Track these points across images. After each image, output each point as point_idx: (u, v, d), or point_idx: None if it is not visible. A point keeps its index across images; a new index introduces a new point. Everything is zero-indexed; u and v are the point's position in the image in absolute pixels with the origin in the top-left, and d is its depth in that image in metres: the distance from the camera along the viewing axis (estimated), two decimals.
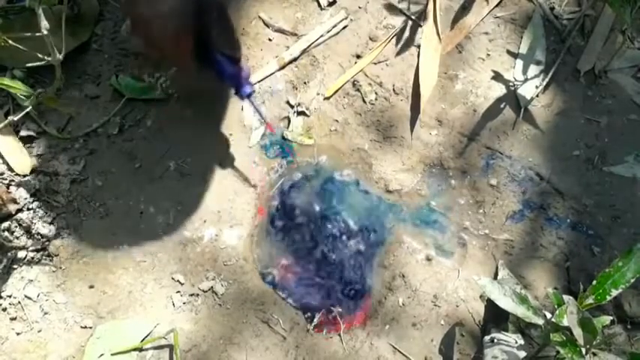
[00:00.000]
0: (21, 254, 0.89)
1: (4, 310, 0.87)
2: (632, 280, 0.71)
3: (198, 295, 0.90)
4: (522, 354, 0.81)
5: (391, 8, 1.10)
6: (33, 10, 0.72)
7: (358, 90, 1.04)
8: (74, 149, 0.95)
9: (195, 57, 0.81)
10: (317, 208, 0.97)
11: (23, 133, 0.94)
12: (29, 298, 0.88)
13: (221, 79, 0.87)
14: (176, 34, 0.75)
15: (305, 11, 1.09)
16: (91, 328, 0.87)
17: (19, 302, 0.87)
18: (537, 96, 1.05)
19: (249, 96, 0.88)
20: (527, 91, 1.05)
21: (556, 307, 0.71)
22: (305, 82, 1.04)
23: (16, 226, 0.89)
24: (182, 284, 0.90)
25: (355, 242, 0.95)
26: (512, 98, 1.05)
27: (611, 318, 0.71)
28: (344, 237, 0.95)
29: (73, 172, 0.94)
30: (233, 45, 0.87)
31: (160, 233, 0.93)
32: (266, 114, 1.01)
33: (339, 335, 0.90)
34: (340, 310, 0.91)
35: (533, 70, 1.06)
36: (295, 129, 1.01)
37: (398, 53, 1.07)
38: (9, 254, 0.88)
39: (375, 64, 1.06)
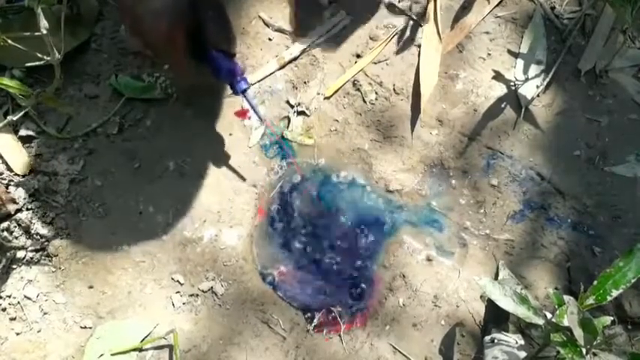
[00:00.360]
0: (20, 254, 0.88)
1: (4, 310, 0.87)
2: (633, 281, 0.70)
3: (197, 295, 0.90)
4: (523, 354, 0.81)
5: (391, 8, 1.10)
6: (32, 10, 0.72)
7: (358, 90, 1.04)
8: (73, 149, 0.95)
9: (190, 53, 0.80)
10: (317, 208, 0.97)
11: (22, 132, 0.94)
12: (28, 299, 0.88)
13: (216, 75, 0.86)
14: (169, 30, 0.75)
15: (305, 11, 1.08)
16: (90, 328, 0.87)
17: (19, 302, 0.87)
18: (538, 96, 1.05)
19: (244, 92, 0.87)
20: (528, 90, 1.05)
21: (556, 307, 0.71)
22: (305, 82, 1.04)
23: (15, 226, 0.89)
24: (182, 284, 0.90)
25: (355, 242, 0.95)
26: (513, 98, 1.05)
27: (612, 318, 0.70)
28: (344, 237, 0.95)
29: (72, 172, 0.93)
30: (229, 40, 0.86)
31: (159, 233, 0.92)
32: (264, 113, 1.01)
33: (339, 336, 0.89)
34: (341, 310, 0.91)
35: (534, 69, 1.06)
36: (295, 129, 1.01)
37: (398, 53, 1.07)
38: (8, 254, 0.88)
39: (375, 63, 1.06)
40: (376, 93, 1.04)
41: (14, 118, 0.81)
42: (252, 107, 0.91)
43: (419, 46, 1.07)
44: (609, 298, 0.70)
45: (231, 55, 0.86)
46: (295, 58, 1.05)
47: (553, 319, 0.70)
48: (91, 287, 0.89)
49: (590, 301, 0.71)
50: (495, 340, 0.84)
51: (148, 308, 0.89)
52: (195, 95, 1.00)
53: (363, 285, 0.93)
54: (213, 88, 1.02)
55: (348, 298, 0.92)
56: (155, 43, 0.77)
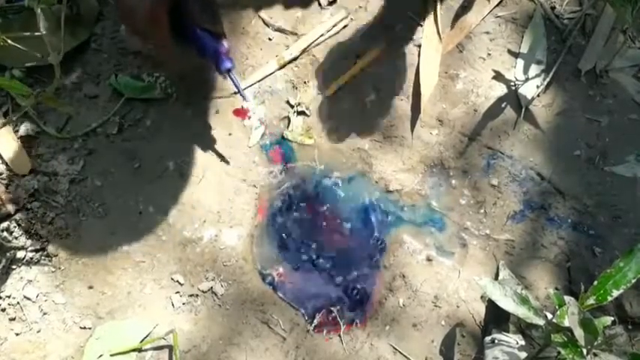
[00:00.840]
0: (20, 254, 0.88)
1: (3, 310, 0.87)
2: (634, 281, 0.70)
3: (197, 295, 0.90)
4: (523, 355, 0.80)
5: (391, 7, 1.09)
6: (32, 10, 0.72)
7: (358, 90, 1.04)
8: (73, 149, 0.95)
9: (176, 34, 0.80)
10: (316, 208, 0.97)
11: (22, 132, 0.94)
12: (28, 299, 0.87)
13: (201, 54, 0.86)
14: (152, 9, 0.75)
15: (305, 10, 1.08)
16: (90, 328, 0.87)
17: (18, 303, 0.87)
18: (538, 96, 1.04)
19: (229, 71, 0.87)
20: (528, 90, 1.05)
21: (557, 307, 0.70)
22: (305, 82, 1.04)
23: (15, 227, 0.89)
24: (181, 285, 0.90)
25: (355, 243, 0.95)
26: (513, 98, 1.05)
27: (612, 318, 0.70)
28: (343, 237, 0.95)
29: (72, 172, 0.93)
30: (213, 20, 0.85)
31: (159, 233, 0.92)
32: (264, 113, 1.01)
33: (339, 336, 0.89)
34: (341, 310, 0.91)
35: (534, 69, 1.06)
36: (295, 129, 1.01)
37: (398, 52, 1.07)
38: (8, 254, 0.87)
39: (376, 63, 1.05)
40: (376, 93, 1.04)
41: (14, 118, 0.81)
42: (237, 87, 0.90)
43: (419, 46, 1.06)
44: (610, 299, 0.70)
45: (217, 35, 0.86)
46: (295, 58, 1.05)
47: (554, 320, 0.69)
48: (90, 287, 0.89)
49: (591, 301, 0.71)
50: (496, 341, 0.84)
51: (147, 308, 0.89)
52: (194, 95, 1.00)
53: (363, 285, 0.93)
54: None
55: (348, 299, 0.92)
56: (139, 23, 0.77)
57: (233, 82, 0.89)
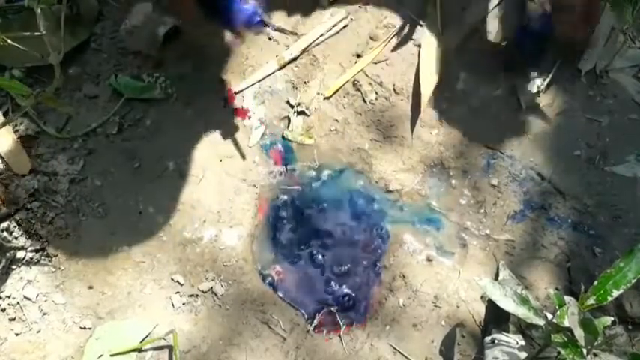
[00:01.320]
0: (20, 254, 0.88)
1: (3, 310, 0.87)
2: (634, 281, 0.70)
3: (197, 295, 0.90)
4: (523, 355, 0.80)
5: (391, 7, 1.09)
6: (32, 10, 0.72)
7: (358, 89, 1.04)
8: (73, 149, 0.95)
9: (200, 4, 0.84)
10: (316, 208, 0.97)
11: (22, 132, 0.94)
12: (28, 299, 0.87)
13: (228, 20, 0.90)
14: None
15: (305, 11, 1.08)
16: (90, 328, 0.87)
17: (18, 303, 0.87)
18: (539, 95, 1.04)
19: (259, 23, 0.92)
20: (528, 90, 1.05)
21: (557, 307, 0.70)
22: (305, 82, 1.04)
23: (15, 227, 0.89)
24: (181, 285, 0.90)
25: (355, 243, 0.95)
26: (514, 98, 1.04)
27: (612, 318, 0.70)
28: (344, 237, 0.95)
29: (72, 172, 0.93)
30: None
31: (159, 233, 0.92)
32: (264, 113, 1.01)
33: (339, 336, 0.89)
34: (340, 310, 0.91)
35: (535, 69, 1.06)
36: (295, 129, 1.01)
37: (398, 53, 1.07)
38: (8, 254, 0.87)
39: (376, 63, 1.05)
40: (376, 93, 1.04)
41: (14, 118, 0.81)
42: (273, 28, 0.98)
43: (419, 46, 1.06)
44: (610, 299, 0.70)
45: None
46: (295, 58, 1.05)
47: (554, 320, 0.69)
48: (90, 287, 0.89)
49: (591, 301, 0.71)
50: (496, 341, 0.84)
51: (147, 308, 0.89)
52: (195, 95, 1.00)
53: (363, 285, 0.93)
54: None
55: (348, 298, 0.92)
56: None
57: (268, 26, 0.96)
